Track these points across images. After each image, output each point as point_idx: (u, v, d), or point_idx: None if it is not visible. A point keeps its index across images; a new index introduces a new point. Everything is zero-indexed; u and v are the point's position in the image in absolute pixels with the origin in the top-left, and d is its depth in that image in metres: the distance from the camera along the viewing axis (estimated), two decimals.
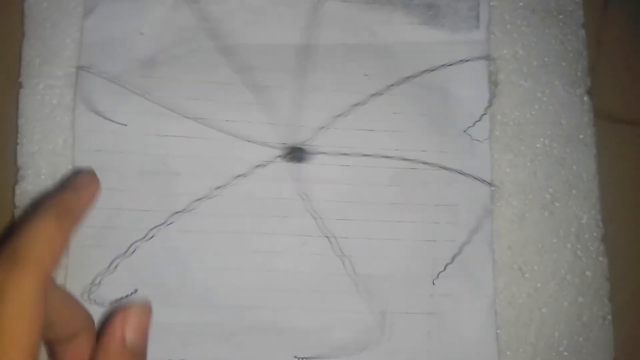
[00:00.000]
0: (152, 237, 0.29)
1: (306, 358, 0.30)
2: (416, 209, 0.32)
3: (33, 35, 0.31)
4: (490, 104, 0.32)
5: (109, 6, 0.31)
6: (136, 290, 0.29)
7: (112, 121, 0.30)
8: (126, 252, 0.29)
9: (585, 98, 0.34)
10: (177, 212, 0.30)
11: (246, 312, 0.30)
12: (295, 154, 0.30)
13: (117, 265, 0.29)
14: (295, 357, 0.30)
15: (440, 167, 0.30)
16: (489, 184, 0.31)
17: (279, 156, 0.30)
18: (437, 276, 0.31)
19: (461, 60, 0.33)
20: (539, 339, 0.31)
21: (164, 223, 0.29)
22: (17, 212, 0.30)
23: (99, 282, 0.29)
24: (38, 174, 0.30)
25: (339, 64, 0.32)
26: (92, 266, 0.29)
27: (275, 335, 0.30)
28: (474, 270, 0.31)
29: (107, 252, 0.29)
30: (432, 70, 0.32)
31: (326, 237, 0.30)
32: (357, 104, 0.31)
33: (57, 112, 0.31)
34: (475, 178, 0.31)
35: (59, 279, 0.29)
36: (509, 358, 0.31)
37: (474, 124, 0.32)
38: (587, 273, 0.32)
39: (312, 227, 0.31)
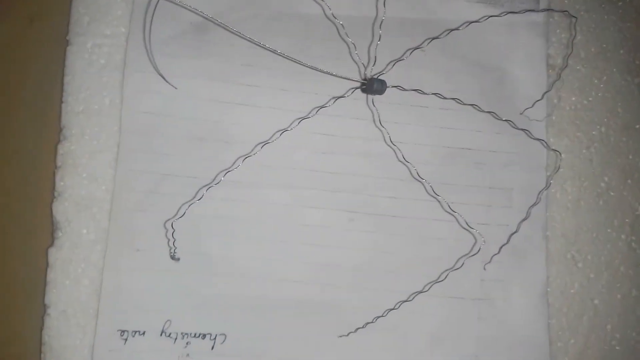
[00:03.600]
0: (200, 198, 0.28)
1: (351, 333, 0.29)
2: (469, 190, 0.31)
3: None
4: (549, 86, 0.32)
5: None
6: (179, 259, 0.28)
7: (165, 80, 0.29)
8: (175, 215, 0.28)
9: None
10: (224, 171, 0.29)
11: (291, 286, 0.29)
12: (374, 84, 0.29)
13: (170, 230, 0.28)
14: (340, 336, 0.29)
15: (511, 125, 0.30)
16: (554, 150, 0.31)
17: (356, 87, 0.29)
18: (490, 260, 0.30)
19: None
20: (590, 331, 0.30)
21: (211, 182, 0.28)
22: (58, 173, 0.29)
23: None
24: (82, 133, 0.29)
25: (395, 38, 0.31)
26: (134, 231, 0.28)
27: (320, 312, 0.29)
28: (526, 257, 0.30)
29: (152, 217, 0.28)
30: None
31: (406, 165, 0.30)
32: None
33: (104, 71, 0.30)
34: (540, 141, 0.30)
35: (99, 241, 0.28)
36: (560, 349, 0.30)
37: (533, 105, 0.31)
38: None
39: (392, 159, 0.30)
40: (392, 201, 0.30)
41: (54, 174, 0.29)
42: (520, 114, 0.31)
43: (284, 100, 0.30)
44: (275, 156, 0.29)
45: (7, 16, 0.31)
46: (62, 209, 0.28)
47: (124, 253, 0.28)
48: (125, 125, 0.29)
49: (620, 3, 0.33)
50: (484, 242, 0.29)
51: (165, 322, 0.28)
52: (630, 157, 0.32)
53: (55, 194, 0.29)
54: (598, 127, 0.32)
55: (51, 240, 0.28)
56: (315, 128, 0.30)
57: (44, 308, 0.28)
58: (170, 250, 0.28)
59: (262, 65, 0.30)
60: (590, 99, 0.32)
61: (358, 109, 0.30)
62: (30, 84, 0.30)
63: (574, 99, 0.32)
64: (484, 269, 0.30)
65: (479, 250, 0.29)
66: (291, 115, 0.29)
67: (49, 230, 0.29)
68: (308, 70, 0.30)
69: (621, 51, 0.33)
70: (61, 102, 0.29)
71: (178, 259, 0.28)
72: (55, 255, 0.28)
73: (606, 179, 0.32)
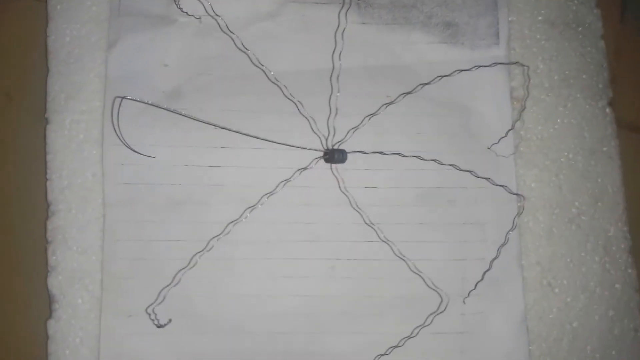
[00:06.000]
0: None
1: None
2: (444, 228, 0.32)
3: (57, 70, 0.31)
4: (513, 120, 0.32)
5: (132, 39, 0.31)
6: (170, 321, 0.30)
7: (140, 154, 0.30)
8: (171, 282, 0.30)
9: (607, 110, 0.34)
10: (214, 237, 0.30)
11: (280, 338, 0.30)
12: (335, 154, 0.30)
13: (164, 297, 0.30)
14: None
15: (474, 175, 0.31)
16: (517, 194, 0.32)
17: (319, 157, 0.31)
18: (468, 295, 0.31)
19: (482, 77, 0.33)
20: (571, 353, 0.31)
21: (204, 249, 0.30)
22: (50, 248, 0.30)
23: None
24: (69, 208, 0.30)
25: (362, 86, 0.32)
26: (126, 298, 0.30)
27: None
28: (503, 287, 0.31)
29: (141, 282, 0.30)
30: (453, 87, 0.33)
31: (372, 227, 0.31)
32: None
33: (84, 146, 0.31)
34: (503, 187, 0.31)
35: (94, 310, 0.30)
36: None
37: (499, 141, 0.32)
38: (617, 286, 0.32)
39: (358, 221, 0.31)
40: (369, 245, 0.31)
41: (45, 249, 0.30)
42: (488, 149, 0.32)
43: (256, 159, 0.31)
44: (251, 216, 0.31)
45: None
46: (56, 283, 0.30)
47: (118, 320, 0.30)
48: (108, 197, 0.30)
49: (579, 29, 0.34)
50: (449, 300, 0.30)
51: None
52: (599, 180, 0.33)
53: (49, 268, 0.30)
54: (565, 153, 0.33)
55: (49, 313, 0.30)
56: (286, 187, 0.31)
57: None
58: (153, 321, 0.29)
59: (233, 124, 0.31)
60: (556, 126, 0.33)
61: (324, 172, 0.31)
62: (12, 162, 0.32)
63: (540, 128, 0.33)
64: (464, 302, 0.31)
65: (445, 308, 0.30)
66: (264, 174, 0.31)
67: (46, 303, 0.30)
68: (277, 128, 0.31)
69: (584, 76, 0.34)
70: (46, 179, 0.31)
71: (167, 322, 0.29)
72: (54, 327, 0.30)
73: (577, 204, 0.33)
